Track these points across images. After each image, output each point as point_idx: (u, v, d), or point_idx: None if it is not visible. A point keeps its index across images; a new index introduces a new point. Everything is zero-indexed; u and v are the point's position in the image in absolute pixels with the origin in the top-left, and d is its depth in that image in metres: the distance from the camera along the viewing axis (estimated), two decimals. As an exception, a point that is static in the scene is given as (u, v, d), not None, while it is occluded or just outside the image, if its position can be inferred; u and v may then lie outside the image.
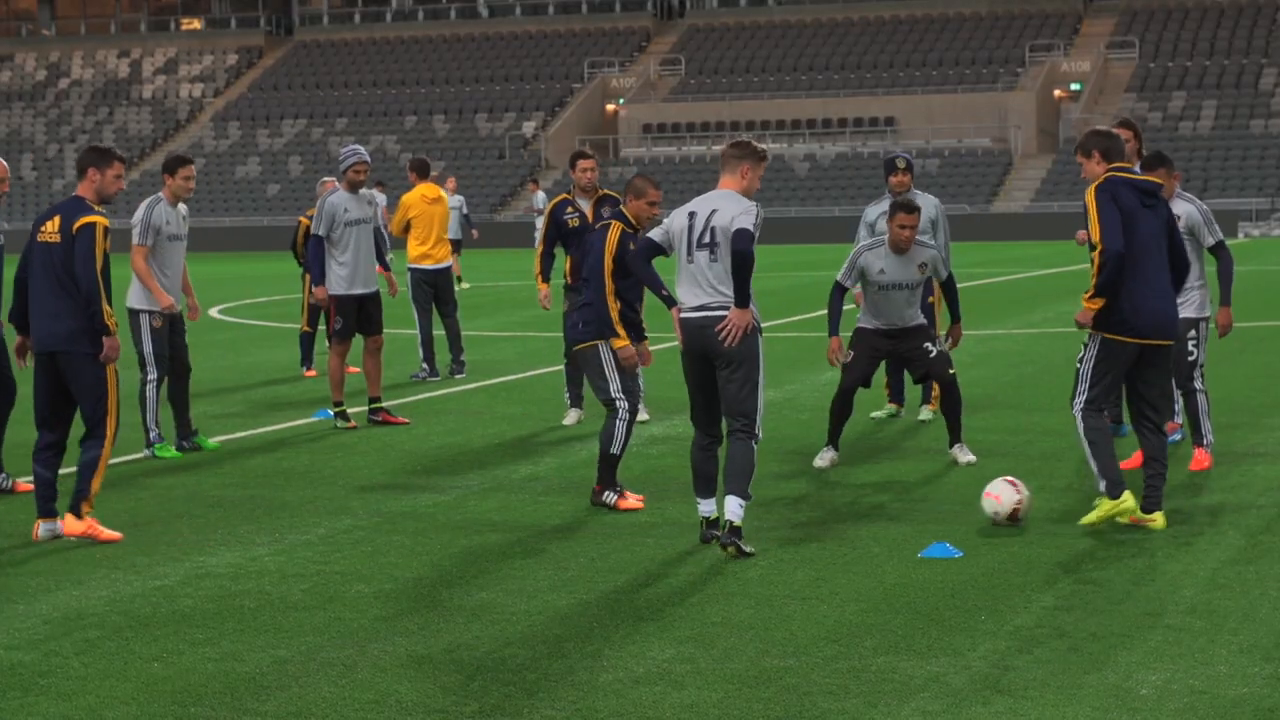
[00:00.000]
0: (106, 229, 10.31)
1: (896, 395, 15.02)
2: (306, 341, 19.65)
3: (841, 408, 12.48)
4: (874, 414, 14.87)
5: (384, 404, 15.38)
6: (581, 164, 14.83)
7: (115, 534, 10.39)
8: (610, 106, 78.15)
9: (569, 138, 73.80)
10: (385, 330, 15.34)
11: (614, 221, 11.23)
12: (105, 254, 10.38)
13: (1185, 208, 11.93)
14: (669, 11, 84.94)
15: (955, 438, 12.57)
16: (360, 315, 14.99)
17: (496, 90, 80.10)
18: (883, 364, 15.00)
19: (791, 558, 9.41)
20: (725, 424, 9.78)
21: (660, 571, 9.13)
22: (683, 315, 9.76)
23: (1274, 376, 17.42)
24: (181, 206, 13.83)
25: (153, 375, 13.60)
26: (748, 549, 9.44)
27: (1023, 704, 6.72)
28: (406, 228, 18.80)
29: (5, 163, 12.03)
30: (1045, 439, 13.34)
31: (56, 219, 10.46)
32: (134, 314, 13.60)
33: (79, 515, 10.37)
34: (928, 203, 14.55)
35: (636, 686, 7.03)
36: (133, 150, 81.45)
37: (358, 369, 17.79)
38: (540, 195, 48.31)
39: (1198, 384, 12.02)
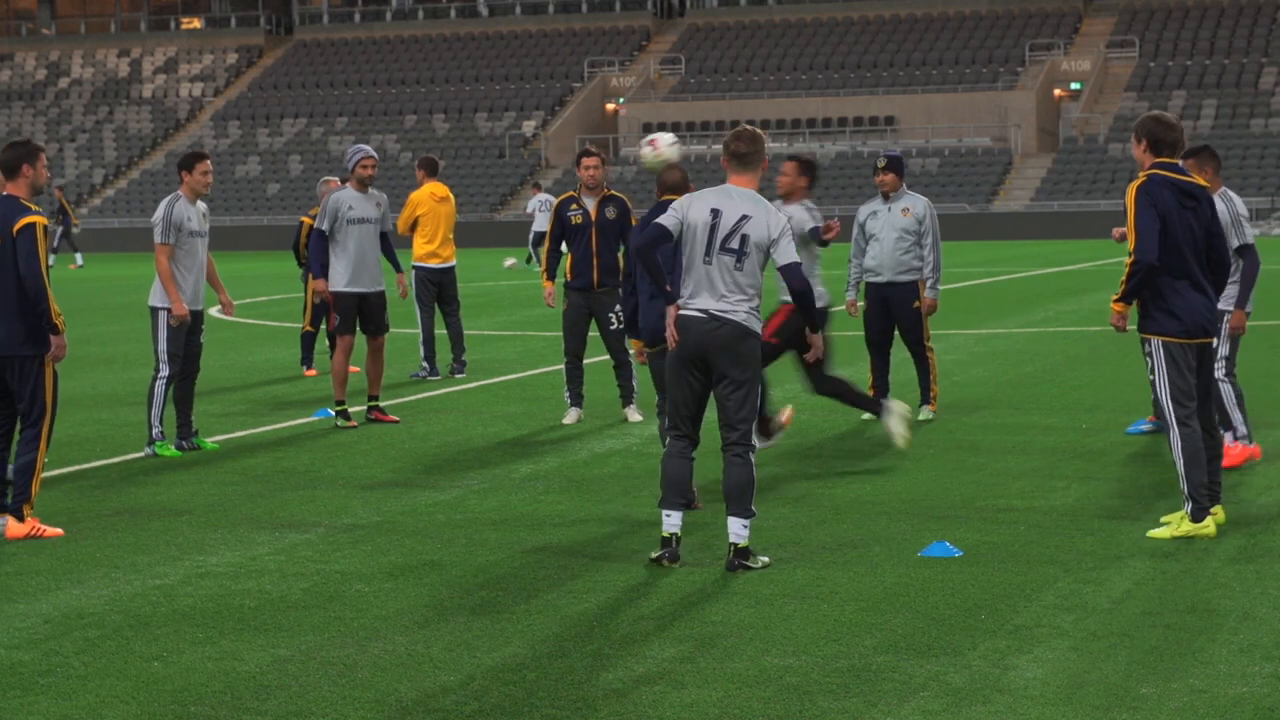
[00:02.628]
0: (45, 228, 10.49)
1: (882, 395, 15.01)
2: (307, 341, 19.64)
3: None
4: (864, 416, 14.87)
5: (380, 403, 15.35)
6: (585, 161, 14.87)
7: (57, 530, 10.46)
8: (610, 106, 78.15)
9: (569, 137, 73.79)
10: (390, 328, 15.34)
11: None
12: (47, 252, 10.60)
13: (1219, 206, 11.93)
14: (669, 10, 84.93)
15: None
16: (362, 315, 14.98)
17: (496, 90, 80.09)
18: (867, 363, 15.04)
19: (791, 557, 9.41)
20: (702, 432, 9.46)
21: (660, 572, 9.13)
22: (686, 313, 9.22)
23: (1274, 376, 17.42)
24: (201, 204, 13.80)
25: (164, 372, 13.50)
26: (757, 565, 9.14)
27: (1023, 704, 6.72)
28: (413, 226, 18.81)
29: None
30: (1045, 438, 13.34)
31: None
32: (154, 311, 13.54)
33: (20, 518, 10.40)
34: (918, 203, 14.64)
35: (636, 686, 7.04)
36: (133, 150, 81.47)
37: (360, 369, 17.78)
38: (535, 199, 47.79)
39: (1220, 374, 12.04)
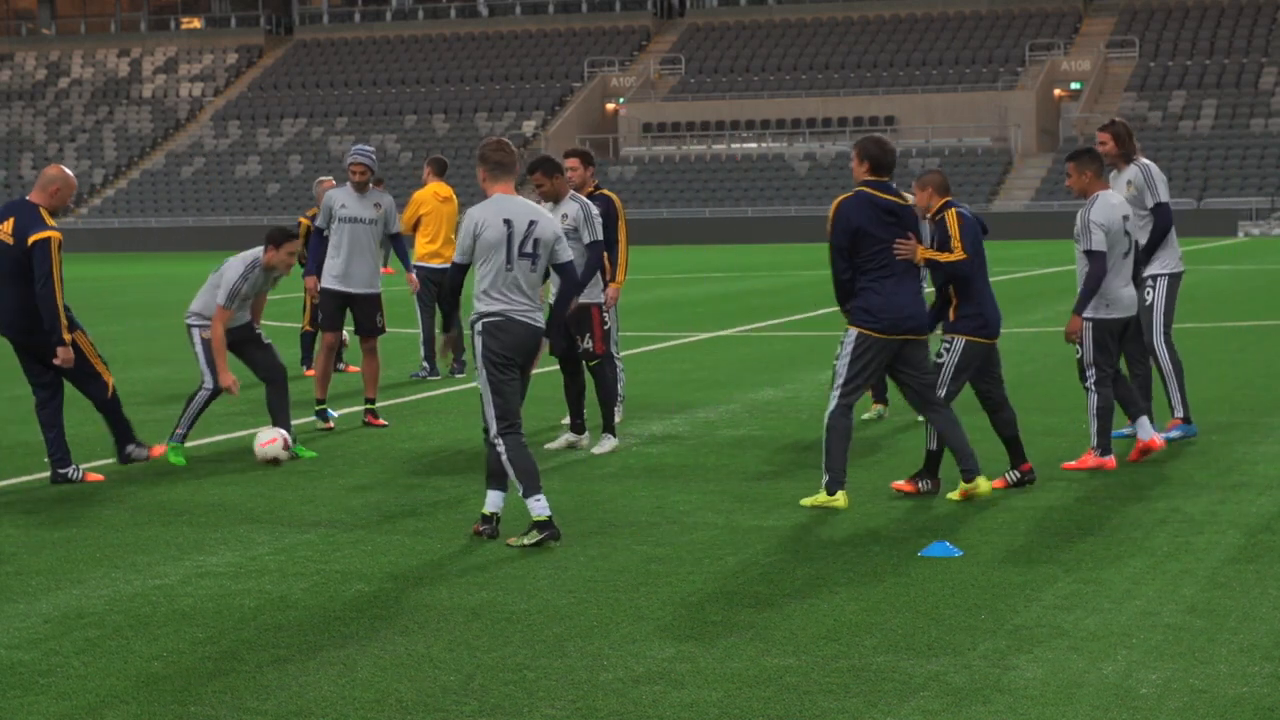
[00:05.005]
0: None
1: (879, 395, 15.04)
2: (307, 341, 19.63)
3: (569, 385, 13.64)
4: (864, 415, 14.88)
5: (375, 406, 15.25)
6: (566, 163, 14.74)
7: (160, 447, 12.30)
8: (610, 106, 78.18)
9: (569, 137, 73.80)
10: (387, 330, 15.31)
11: None
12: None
13: (1080, 213, 12.29)
14: (669, 10, 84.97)
15: (604, 425, 13.45)
16: (353, 316, 14.96)
17: (496, 89, 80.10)
18: None
19: (791, 557, 9.41)
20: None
21: (661, 571, 9.13)
22: (518, 316, 9.90)
23: (1274, 376, 17.42)
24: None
25: (207, 385, 13.17)
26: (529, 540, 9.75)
27: (1023, 704, 6.72)
28: (416, 225, 18.81)
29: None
30: (1045, 439, 13.33)
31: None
32: (187, 328, 13.33)
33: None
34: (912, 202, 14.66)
35: (636, 686, 7.03)
36: (133, 150, 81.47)
37: (358, 369, 17.78)
38: None
39: (1087, 383, 12.15)
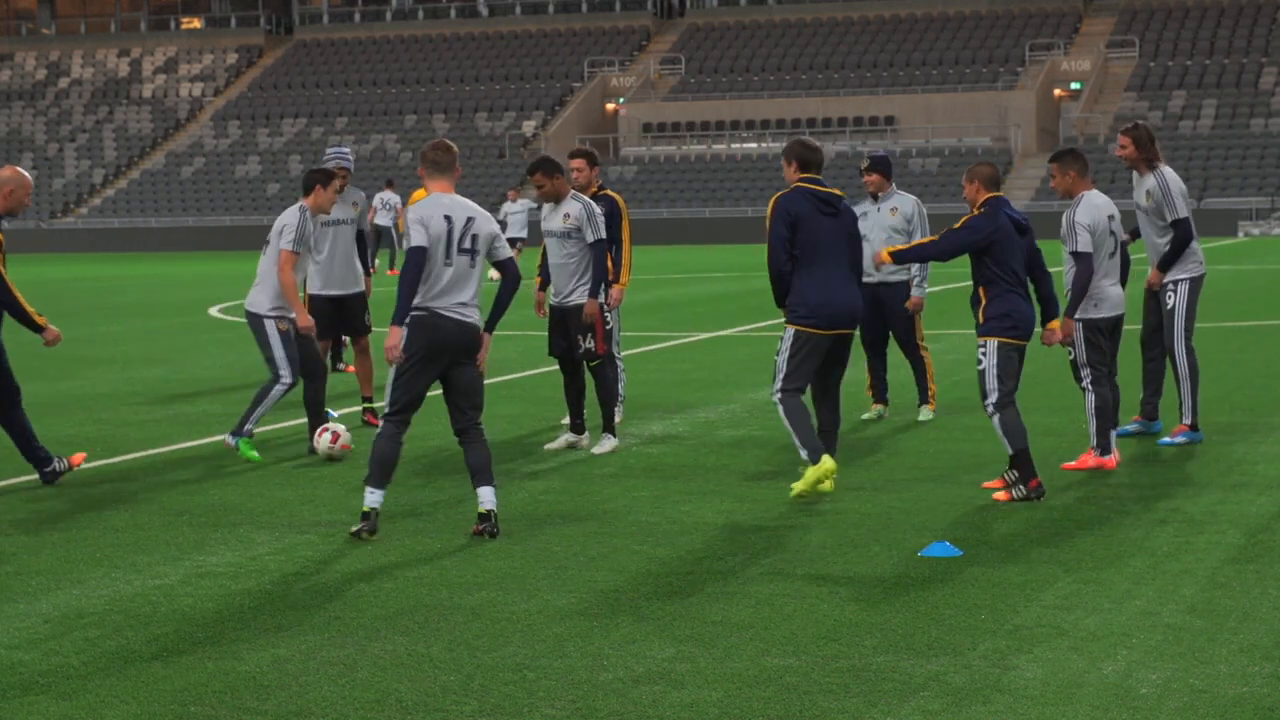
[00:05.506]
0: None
1: (879, 396, 15.03)
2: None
3: (569, 384, 13.55)
4: (864, 415, 14.89)
5: (374, 405, 15.24)
6: (572, 164, 14.70)
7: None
8: (610, 106, 78.17)
9: (569, 137, 73.80)
10: (374, 328, 15.29)
11: None
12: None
13: (1067, 213, 12.35)
14: (669, 10, 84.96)
15: (604, 425, 13.36)
16: (340, 317, 14.92)
17: (496, 89, 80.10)
18: (864, 364, 15.05)
19: (791, 557, 9.41)
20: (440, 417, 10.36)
21: (660, 571, 9.13)
22: (446, 312, 10.05)
23: (1274, 376, 17.43)
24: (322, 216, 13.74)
25: (286, 379, 13.22)
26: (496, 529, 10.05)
27: (1023, 704, 6.72)
28: None
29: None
30: (1045, 439, 13.33)
31: None
32: (259, 319, 13.28)
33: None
34: (906, 201, 14.74)
35: (636, 686, 7.04)
36: (133, 150, 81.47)
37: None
38: (509, 205, 46.30)
39: (1083, 383, 12.12)
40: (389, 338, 10.06)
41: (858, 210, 14.70)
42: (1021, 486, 10.87)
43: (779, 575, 8.98)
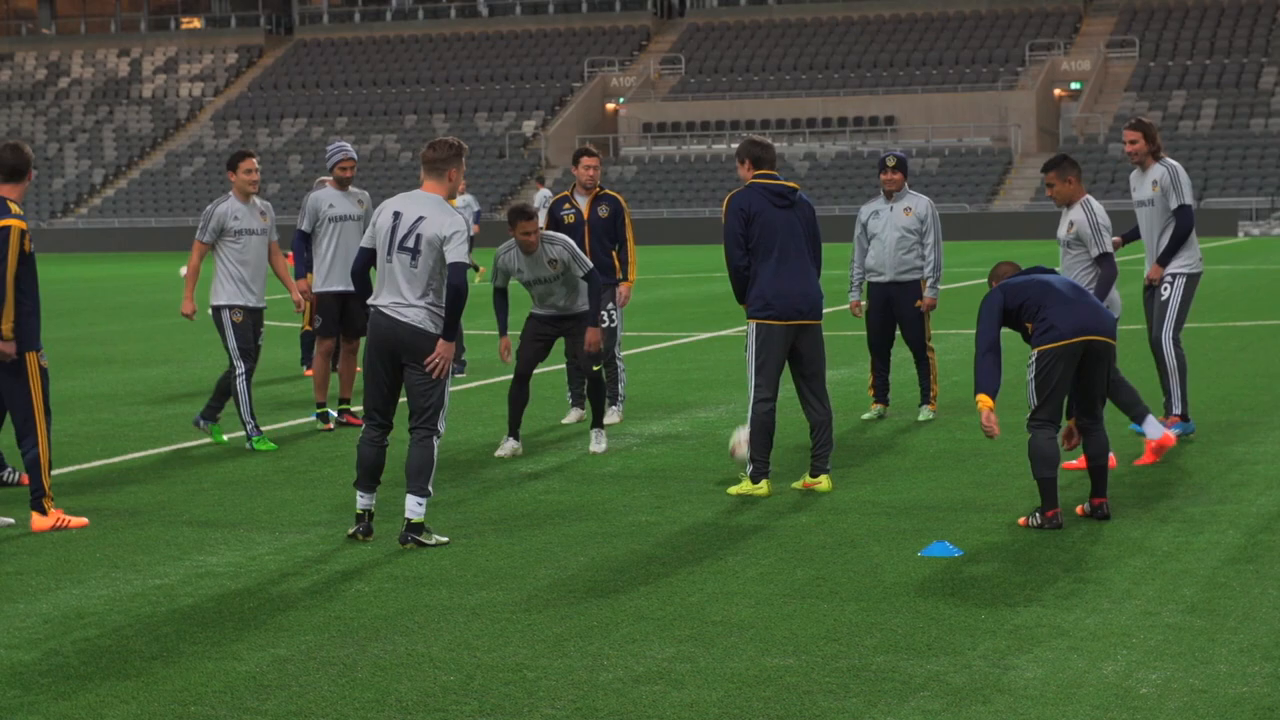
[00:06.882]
0: (24, 231, 10.48)
1: (881, 396, 15.03)
2: (307, 341, 19.63)
3: (518, 395, 13.26)
4: (864, 415, 14.89)
5: (351, 406, 15.22)
6: (585, 161, 14.73)
7: (82, 520, 10.69)
8: (610, 105, 78.14)
9: (569, 137, 73.80)
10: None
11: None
12: (27, 255, 10.57)
13: (1078, 215, 12.44)
14: (669, 10, 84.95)
15: (595, 422, 13.34)
16: (343, 315, 14.91)
17: (496, 89, 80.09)
18: (868, 364, 15.07)
19: (791, 557, 9.41)
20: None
21: (660, 571, 9.13)
22: (384, 310, 9.92)
23: (1274, 376, 17.42)
24: (256, 200, 14.07)
25: (240, 369, 13.85)
26: (431, 541, 9.85)
27: (1023, 704, 6.72)
28: None
29: None
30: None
31: None
32: (216, 310, 13.89)
33: (44, 512, 10.57)
34: (920, 202, 14.75)
35: (636, 686, 7.04)
36: (133, 150, 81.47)
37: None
38: (542, 194, 47.43)
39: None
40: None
41: (871, 208, 14.76)
42: (1038, 514, 10.12)
43: (779, 575, 8.98)
